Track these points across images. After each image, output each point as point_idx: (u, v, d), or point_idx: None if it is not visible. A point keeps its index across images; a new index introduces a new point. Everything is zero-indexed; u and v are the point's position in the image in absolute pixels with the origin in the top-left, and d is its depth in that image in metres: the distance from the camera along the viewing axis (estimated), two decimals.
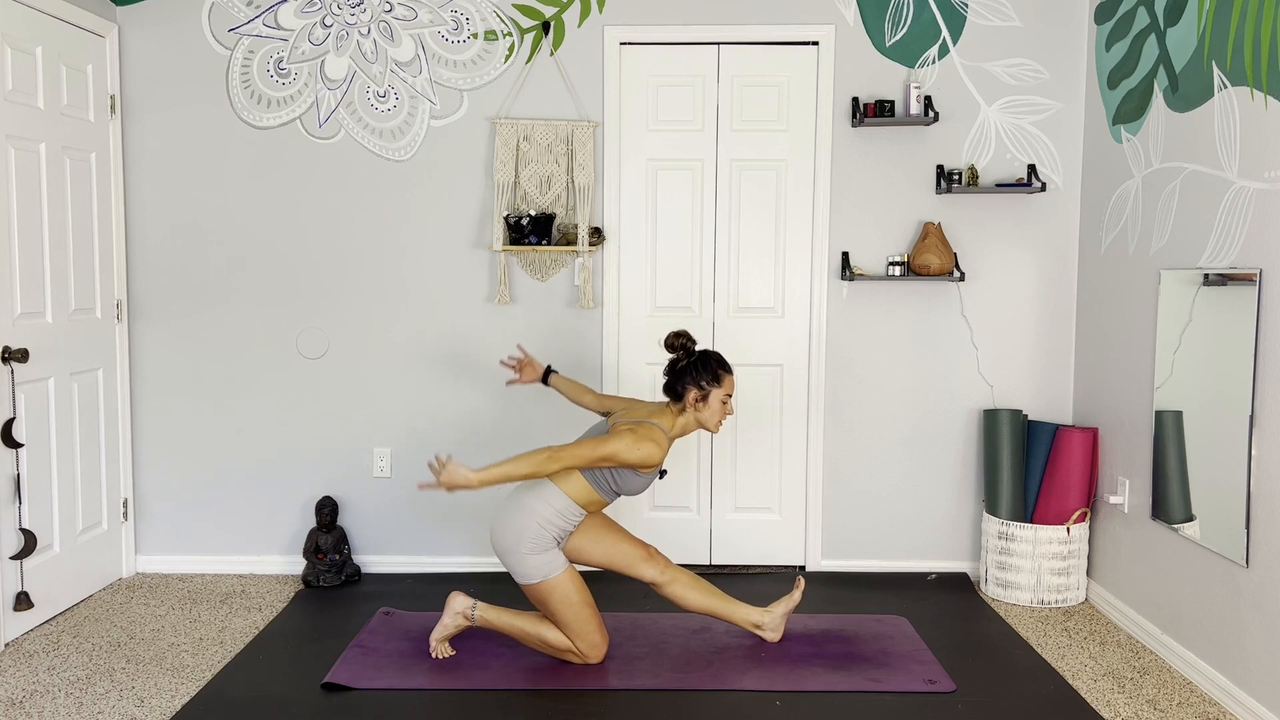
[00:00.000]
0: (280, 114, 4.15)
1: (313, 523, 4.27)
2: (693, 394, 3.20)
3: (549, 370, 3.61)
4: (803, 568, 4.30)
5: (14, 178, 3.48)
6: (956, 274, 4.07)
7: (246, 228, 4.19)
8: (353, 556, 4.25)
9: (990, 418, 4.04)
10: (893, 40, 4.09)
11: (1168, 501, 3.40)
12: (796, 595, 3.42)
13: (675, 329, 3.28)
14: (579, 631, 3.17)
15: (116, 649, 3.43)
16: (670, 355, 3.29)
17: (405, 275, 4.21)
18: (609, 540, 3.31)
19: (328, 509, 4.12)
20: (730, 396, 3.24)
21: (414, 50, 4.12)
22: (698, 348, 3.28)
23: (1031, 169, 4.07)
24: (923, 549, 4.28)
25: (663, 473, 3.27)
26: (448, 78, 4.13)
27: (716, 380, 3.21)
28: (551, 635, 3.20)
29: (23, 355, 3.44)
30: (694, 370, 3.21)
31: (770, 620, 3.41)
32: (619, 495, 3.22)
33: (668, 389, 3.26)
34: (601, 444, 3.04)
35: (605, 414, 3.46)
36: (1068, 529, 3.87)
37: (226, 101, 4.15)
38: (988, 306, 4.18)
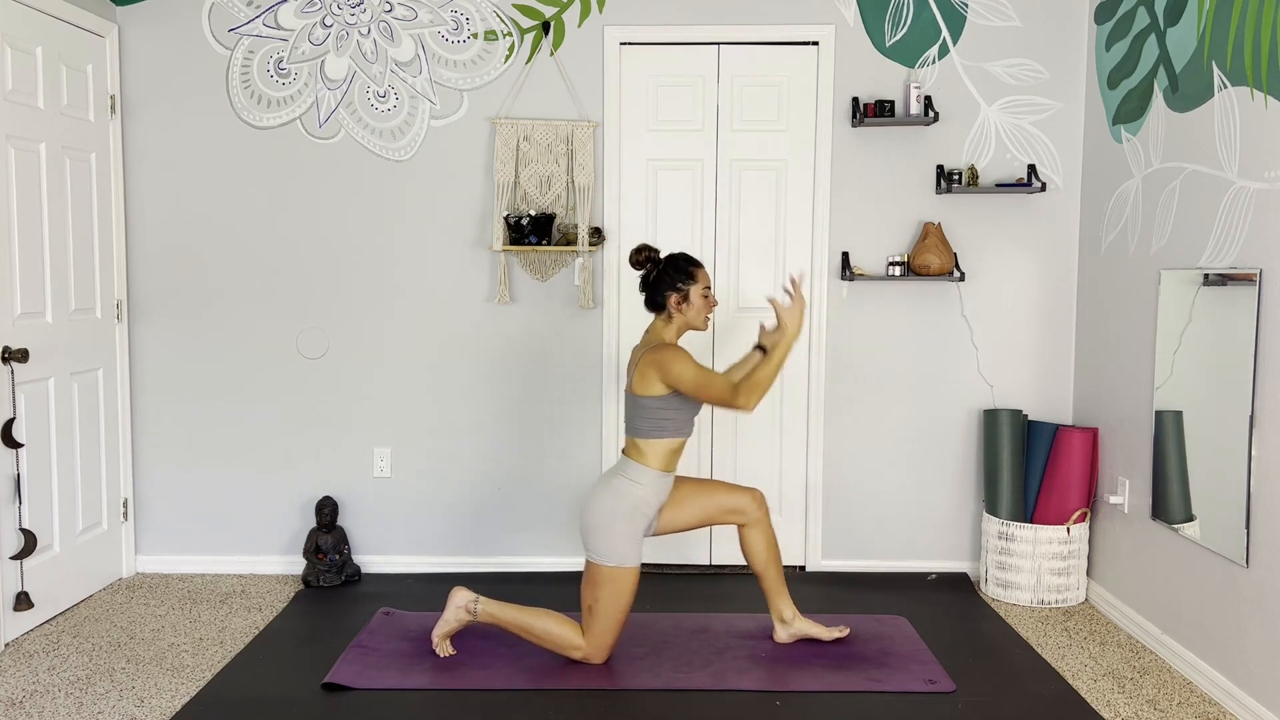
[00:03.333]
0: (280, 114, 4.15)
1: (313, 523, 4.27)
2: (673, 298, 3.22)
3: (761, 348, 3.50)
4: (803, 568, 4.30)
5: (14, 178, 3.48)
6: (956, 274, 4.07)
7: (246, 228, 4.19)
8: (353, 556, 4.25)
9: (990, 418, 4.04)
10: (893, 40, 4.09)
11: (1168, 501, 3.40)
12: (834, 634, 3.43)
13: (634, 247, 3.29)
14: (603, 628, 3.17)
15: (116, 649, 3.43)
16: (640, 271, 3.30)
17: (405, 275, 4.21)
18: (703, 497, 3.34)
19: (328, 509, 4.12)
20: (709, 289, 3.25)
21: (414, 50, 4.13)
22: (662, 255, 3.29)
23: (1031, 169, 4.07)
24: (923, 549, 4.28)
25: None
26: (448, 78, 4.13)
27: (690, 277, 3.22)
28: (556, 629, 3.20)
29: (23, 355, 3.44)
30: (666, 276, 3.23)
31: (796, 626, 3.42)
32: (693, 418, 3.24)
33: (648, 303, 3.28)
34: (697, 373, 3.08)
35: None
36: (1068, 529, 3.87)
37: (226, 101, 4.15)
38: (988, 306, 4.18)
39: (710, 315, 3.29)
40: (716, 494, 3.37)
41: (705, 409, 4.20)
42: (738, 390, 3.06)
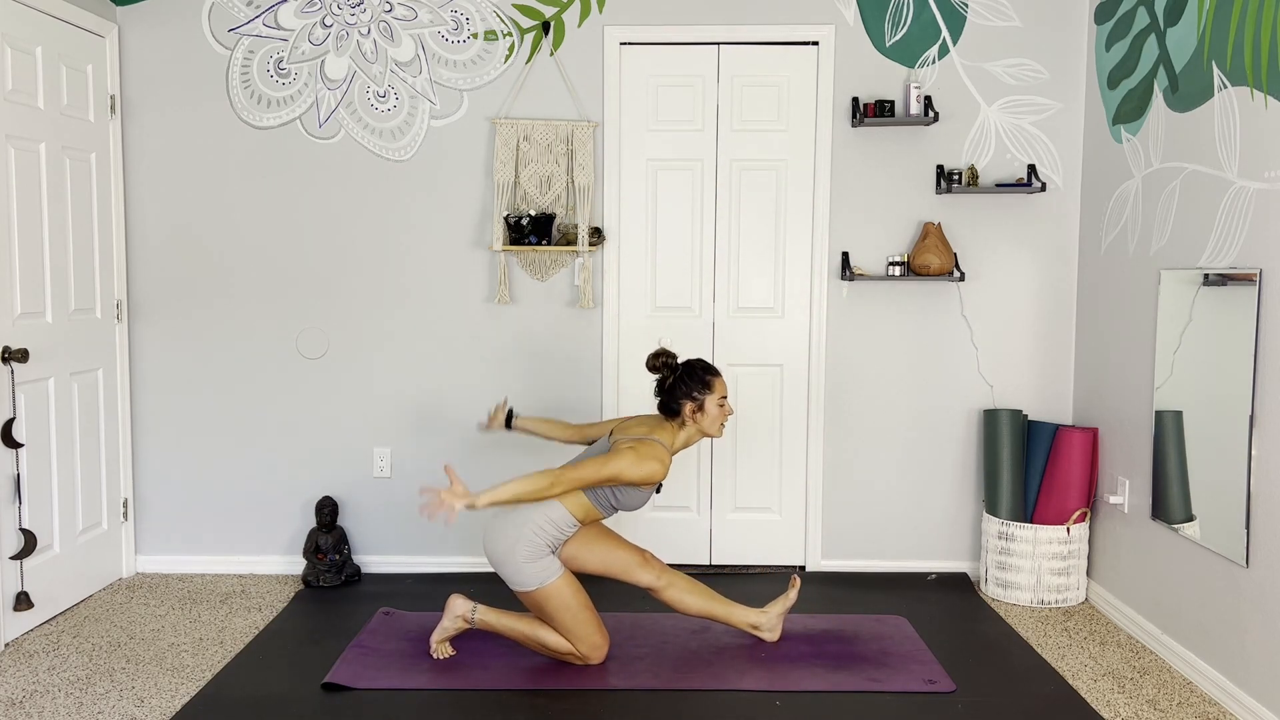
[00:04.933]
0: (280, 114, 4.15)
1: (313, 523, 4.27)
2: (688, 407, 3.21)
3: (511, 414, 3.59)
4: (802, 568, 4.30)
5: (14, 178, 3.48)
6: (956, 274, 4.07)
7: (246, 228, 4.19)
8: (353, 556, 4.25)
9: (990, 418, 4.04)
10: (893, 40, 4.09)
11: (1168, 501, 3.40)
12: (792, 595, 3.43)
13: (653, 351, 3.29)
14: (579, 634, 3.17)
15: (116, 649, 3.43)
16: (656, 376, 3.29)
17: (405, 275, 4.21)
18: (603, 547, 3.30)
19: (328, 509, 4.12)
20: (725, 398, 3.24)
21: (414, 50, 4.13)
22: (680, 360, 3.29)
23: (1031, 169, 4.07)
24: (923, 549, 4.28)
25: (659, 487, 3.28)
26: (448, 78, 4.13)
27: (707, 387, 3.21)
28: (551, 638, 3.20)
29: (23, 355, 3.44)
30: (683, 383, 3.21)
31: (767, 621, 3.42)
32: (617, 511, 3.24)
33: (663, 408, 3.27)
34: (604, 464, 3.05)
35: (588, 443, 3.49)
36: (1068, 529, 3.87)
37: (226, 101, 4.15)
38: (988, 306, 4.18)
39: (725, 423, 3.27)
40: (616, 549, 3.29)
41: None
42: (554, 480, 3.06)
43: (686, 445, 3.29)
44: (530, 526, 3.11)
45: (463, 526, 4.28)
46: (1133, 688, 3.16)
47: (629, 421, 3.34)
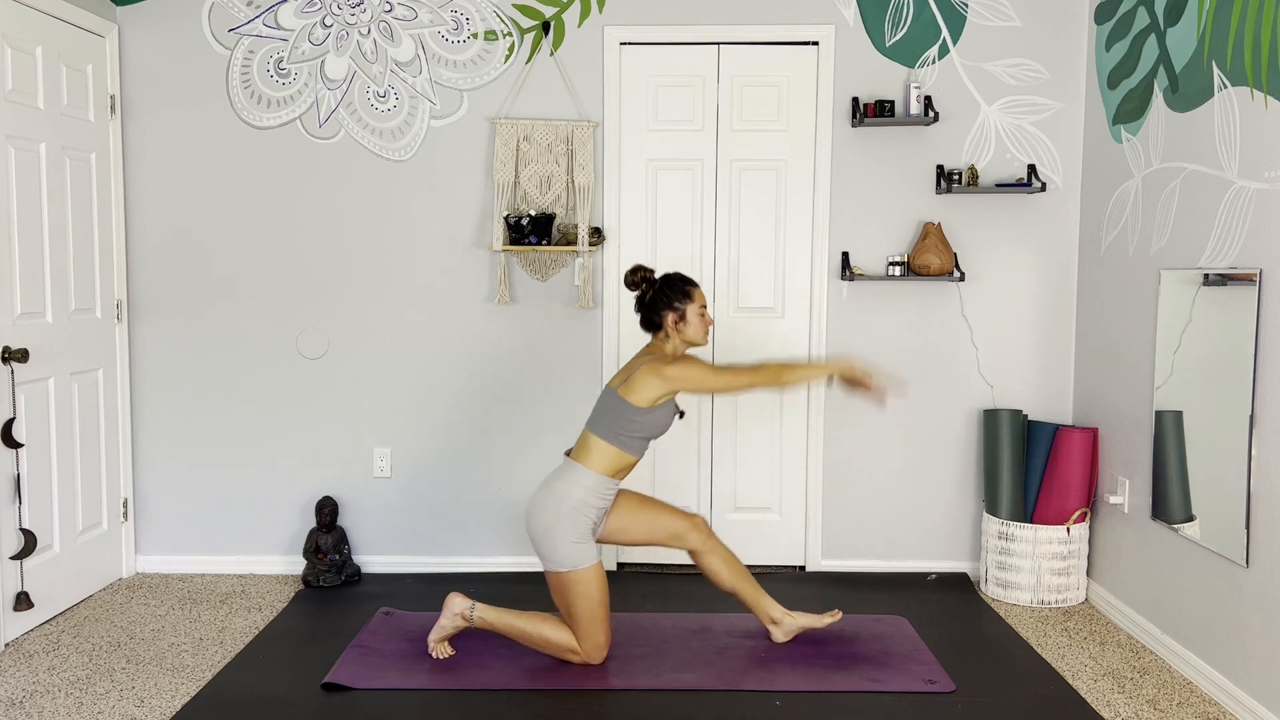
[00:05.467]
0: (280, 114, 4.15)
1: (313, 523, 4.27)
2: (670, 318, 3.22)
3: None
4: (802, 567, 4.30)
5: (14, 178, 3.48)
6: (956, 274, 4.07)
7: (246, 228, 4.19)
8: (353, 556, 4.25)
9: (990, 418, 4.04)
10: (893, 40, 4.09)
11: (1168, 501, 3.40)
12: (827, 620, 3.42)
13: (629, 269, 3.29)
14: (588, 629, 3.17)
15: (116, 649, 3.43)
16: (635, 293, 3.31)
17: (405, 275, 4.21)
18: (648, 516, 3.33)
19: (328, 509, 4.12)
20: (705, 307, 3.25)
21: (414, 50, 4.13)
22: (657, 275, 3.30)
23: (1031, 169, 4.07)
24: (923, 549, 4.28)
25: (681, 413, 3.30)
26: (448, 78, 4.13)
27: (687, 296, 3.22)
28: (553, 634, 3.20)
29: (23, 355, 3.44)
30: (663, 295, 3.22)
31: (788, 623, 3.42)
32: (648, 441, 3.23)
33: (645, 323, 3.28)
34: (669, 371, 3.11)
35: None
36: (1068, 529, 3.87)
37: (226, 101, 4.15)
38: (988, 306, 4.18)
39: (709, 331, 3.28)
40: (661, 515, 3.35)
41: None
42: (761, 380, 3.14)
43: (675, 356, 3.26)
44: (569, 503, 3.12)
45: (463, 526, 4.28)
46: (1133, 688, 3.16)
47: (619, 373, 3.29)
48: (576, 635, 3.18)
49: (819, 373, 3.25)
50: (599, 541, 3.29)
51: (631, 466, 3.24)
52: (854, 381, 3.22)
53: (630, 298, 4.18)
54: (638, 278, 3.26)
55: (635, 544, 3.35)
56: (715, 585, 3.41)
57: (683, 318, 3.22)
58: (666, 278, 3.26)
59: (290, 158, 4.17)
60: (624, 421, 3.15)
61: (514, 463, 4.26)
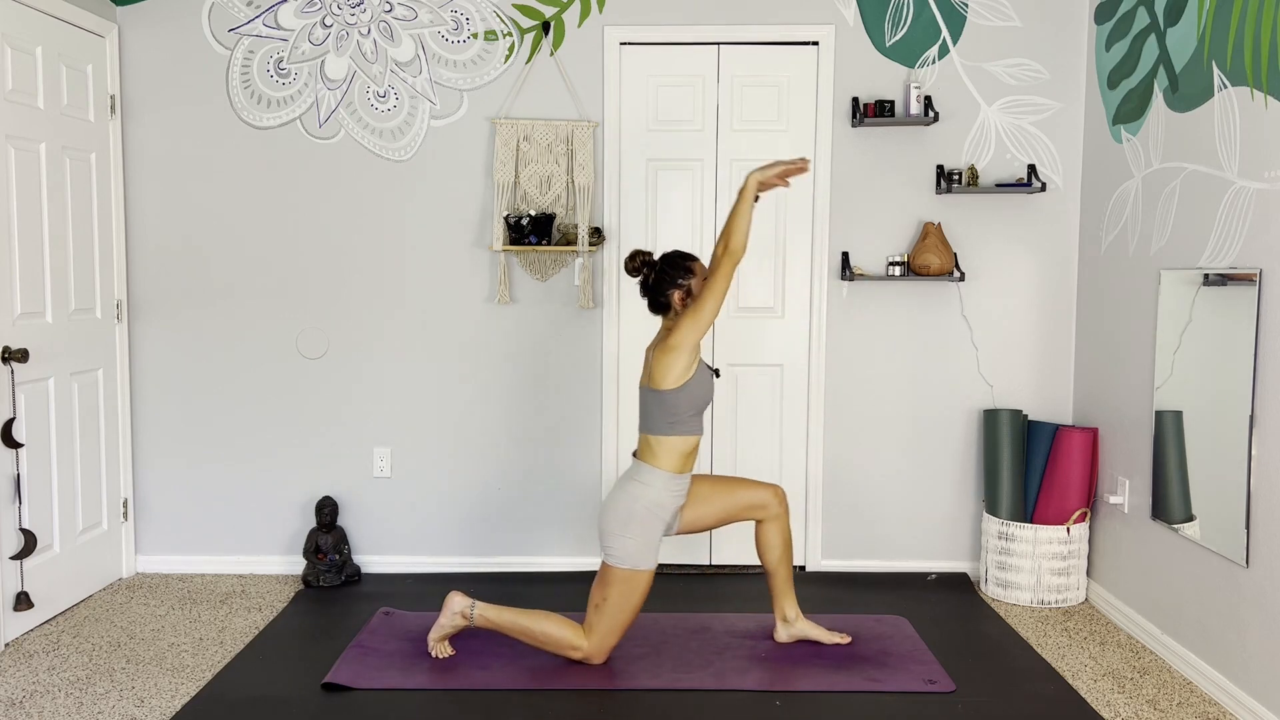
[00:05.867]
0: (280, 114, 4.15)
1: (313, 523, 4.27)
2: (677, 295, 3.22)
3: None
4: (802, 567, 4.30)
5: (14, 178, 3.48)
6: (956, 274, 4.07)
7: (246, 228, 4.19)
8: (353, 556, 4.25)
9: (990, 418, 4.04)
10: (893, 40, 4.09)
11: (1168, 501, 3.40)
12: (835, 639, 3.42)
13: (628, 255, 3.29)
14: (607, 627, 3.17)
15: (116, 649, 3.43)
16: (637, 278, 3.31)
17: (405, 275, 4.21)
18: (722, 495, 3.33)
19: (328, 509, 4.12)
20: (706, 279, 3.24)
21: (414, 50, 4.13)
22: (656, 256, 3.31)
23: (1031, 169, 4.07)
24: (923, 549, 4.28)
25: (716, 371, 3.30)
26: (448, 78, 4.13)
27: (690, 271, 3.22)
28: (555, 629, 3.20)
29: (23, 355, 3.44)
30: (666, 275, 3.22)
31: (797, 625, 3.42)
32: (700, 413, 3.22)
33: (652, 305, 3.27)
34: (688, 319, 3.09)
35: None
36: (1068, 529, 3.87)
37: (226, 101, 4.15)
38: (988, 306, 4.18)
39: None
40: (737, 491, 3.36)
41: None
42: (722, 253, 3.13)
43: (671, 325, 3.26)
44: (642, 503, 3.14)
45: (463, 526, 4.28)
46: (1133, 688, 3.16)
47: (644, 370, 3.30)
48: (592, 630, 3.18)
49: (745, 206, 3.15)
50: (677, 533, 3.31)
51: (696, 448, 3.24)
52: (770, 185, 3.20)
53: (631, 298, 4.18)
54: (637, 262, 3.26)
55: (712, 527, 3.36)
56: (761, 556, 3.40)
57: (689, 294, 3.22)
58: (666, 257, 3.26)
59: (290, 158, 4.17)
60: (668, 409, 3.15)
61: (513, 463, 4.26)
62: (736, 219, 3.14)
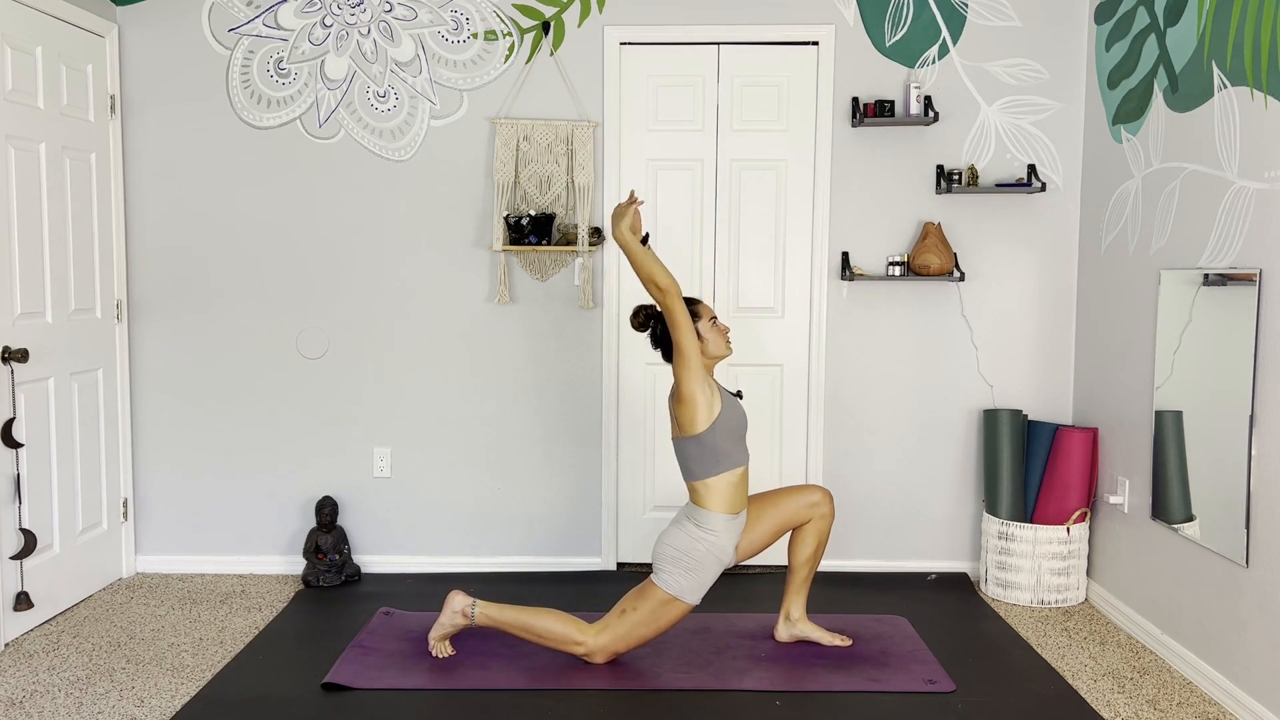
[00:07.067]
0: (280, 114, 4.15)
1: (313, 523, 4.27)
2: None
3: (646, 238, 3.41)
4: None
5: (14, 178, 3.48)
6: (956, 274, 4.07)
7: (246, 228, 4.19)
8: (353, 556, 4.25)
9: (990, 418, 4.04)
10: (893, 40, 4.09)
11: (1168, 501, 3.40)
12: (835, 641, 3.41)
13: (631, 312, 3.29)
14: (621, 636, 3.17)
15: (116, 649, 3.43)
16: (645, 332, 3.31)
17: (405, 275, 4.21)
18: (770, 514, 3.30)
19: (328, 509, 4.12)
20: (715, 318, 3.23)
21: (414, 50, 4.13)
22: (659, 308, 3.30)
23: (1031, 169, 4.07)
24: (923, 549, 4.28)
25: (739, 394, 3.31)
26: (448, 78, 4.13)
27: (695, 315, 3.20)
28: (557, 625, 3.19)
29: (23, 355, 3.44)
30: None
31: (800, 628, 3.43)
32: (741, 439, 3.20)
33: (667, 355, 3.25)
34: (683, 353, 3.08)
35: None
36: (1068, 529, 3.87)
37: (226, 101, 4.15)
38: (988, 306, 4.18)
39: (729, 339, 3.26)
40: (783, 499, 3.34)
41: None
42: (660, 295, 3.08)
43: (709, 371, 3.24)
44: (703, 545, 3.13)
45: (463, 526, 4.28)
46: (1133, 688, 3.16)
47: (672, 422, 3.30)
48: (606, 629, 3.18)
49: (635, 252, 3.07)
50: (735, 564, 3.29)
51: (744, 477, 3.21)
52: (634, 224, 3.13)
53: (631, 298, 4.18)
54: (641, 317, 3.25)
55: (768, 545, 3.33)
56: (791, 550, 3.38)
57: (699, 337, 3.21)
58: None
59: (290, 158, 4.17)
60: (708, 449, 3.14)
61: (514, 462, 4.26)
62: (640, 265, 3.06)
